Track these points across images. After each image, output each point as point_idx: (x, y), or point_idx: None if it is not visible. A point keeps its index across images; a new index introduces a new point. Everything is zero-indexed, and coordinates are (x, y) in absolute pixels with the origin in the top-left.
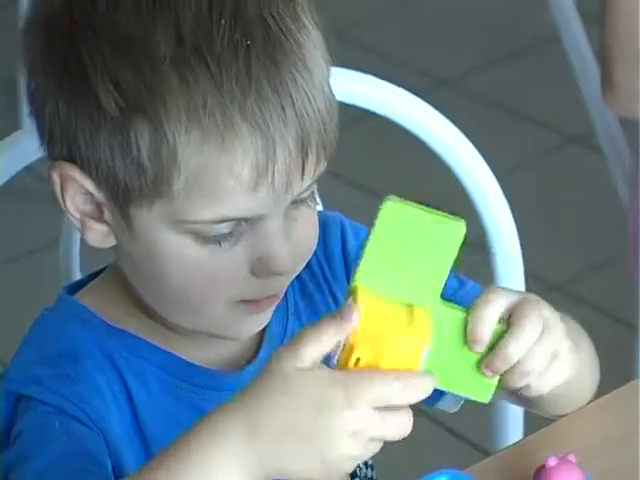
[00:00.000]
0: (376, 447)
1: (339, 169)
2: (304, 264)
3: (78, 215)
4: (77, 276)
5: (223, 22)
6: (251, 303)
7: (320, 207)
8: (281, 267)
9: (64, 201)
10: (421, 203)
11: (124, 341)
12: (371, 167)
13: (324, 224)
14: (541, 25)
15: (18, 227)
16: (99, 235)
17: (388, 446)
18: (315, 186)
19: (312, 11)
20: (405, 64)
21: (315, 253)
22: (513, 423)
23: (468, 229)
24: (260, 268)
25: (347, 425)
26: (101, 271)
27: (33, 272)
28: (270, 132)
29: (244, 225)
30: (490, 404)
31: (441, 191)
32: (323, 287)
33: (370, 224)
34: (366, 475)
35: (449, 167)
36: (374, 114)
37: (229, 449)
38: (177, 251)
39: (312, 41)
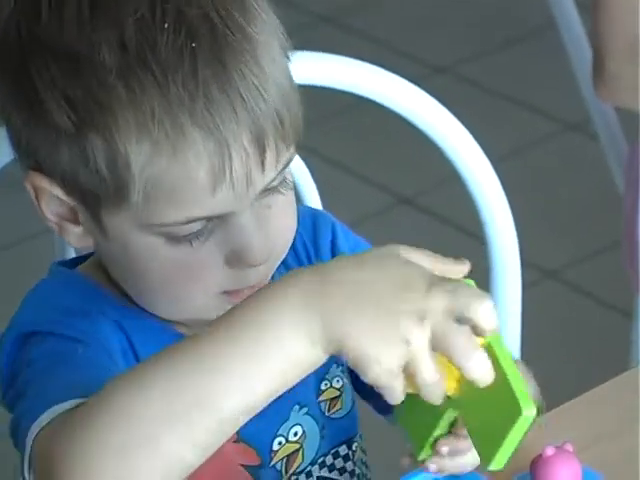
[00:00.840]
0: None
1: (333, 156)
2: (285, 250)
3: (55, 219)
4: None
5: (166, 26)
6: (233, 294)
7: (318, 198)
8: (255, 259)
9: (40, 207)
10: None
11: (127, 313)
12: (366, 154)
13: (315, 220)
14: (537, 12)
15: (13, 214)
16: (76, 237)
17: (384, 442)
18: (290, 172)
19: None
20: (401, 51)
21: (305, 245)
22: None
23: (463, 216)
24: (235, 260)
25: (420, 308)
26: (89, 256)
27: (28, 259)
28: (222, 134)
29: (214, 221)
30: None
31: (436, 178)
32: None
33: (363, 211)
34: (361, 447)
35: (445, 154)
36: (369, 101)
37: (293, 305)
38: (151, 252)
39: (265, 31)
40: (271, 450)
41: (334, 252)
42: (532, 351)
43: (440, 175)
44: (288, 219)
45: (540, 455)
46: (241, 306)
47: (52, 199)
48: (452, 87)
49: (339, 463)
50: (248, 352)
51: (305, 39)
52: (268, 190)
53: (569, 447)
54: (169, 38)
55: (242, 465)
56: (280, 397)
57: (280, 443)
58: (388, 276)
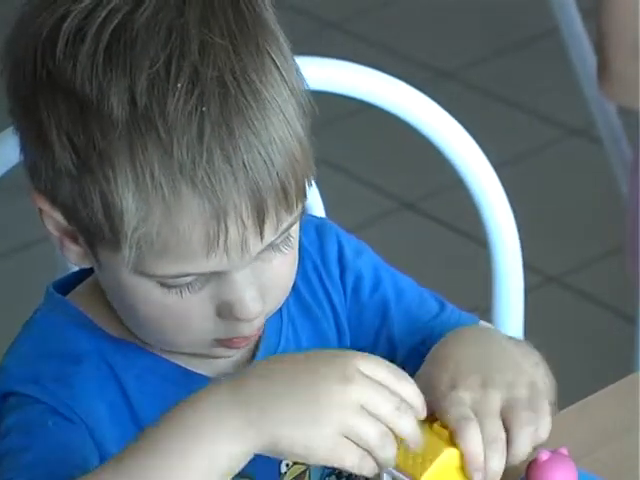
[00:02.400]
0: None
1: (338, 161)
2: (281, 301)
3: (57, 233)
4: (73, 268)
5: (179, 85)
6: (225, 342)
7: (321, 203)
8: (247, 314)
9: (43, 222)
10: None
11: (123, 350)
12: (369, 160)
13: (320, 230)
14: (540, 18)
15: (14, 220)
16: (76, 255)
17: None
18: (295, 230)
19: (284, 52)
20: (405, 57)
21: (311, 257)
22: None
23: (466, 221)
24: (226, 312)
25: (348, 398)
26: (88, 269)
27: (29, 265)
28: (221, 204)
29: (207, 275)
30: None
31: (440, 184)
32: (317, 290)
33: (366, 216)
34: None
35: (448, 160)
36: (373, 107)
37: (222, 421)
38: (142, 293)
39: (282, 93)
40: (279, 473)
41: (341, 263)
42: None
43: (443, 181)
44: (286, 275)
45: (535, 459)
46: (167, 418)
47: (54, 220)
48: (456, 93)
49: None
50: (175, 465)
51: (310, 45)
52: (269, 247)
53: (564, 451)
54: (180, 100)
55: None
56: None
57: (287, 465)
58: (303, 383)
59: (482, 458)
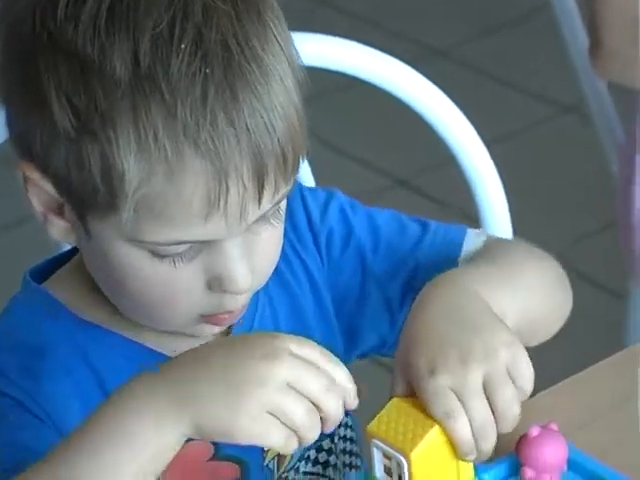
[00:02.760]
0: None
1: (329, 137)
2: (266, 278)
3: (41, 209)
4: (65, 246)
5: (183, 46)
6: (210, 318)
7: (312, 180)
8: (237, 287)
9: (27, 195)
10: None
11: (96, 335)
12: (361, 136)
13: (288, 198)
14: None
15: (8, 196)
16: (61, 231)
17: (369, 407)
18: (284, 203)
19: (283, 25)
20: (396, 33)
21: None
22: None
23: (458, 198)
24: (216, 285)
25: (257, 370)
26: (69, 253)
27: (24, 241)
28: (223, 166)
29: (200, 244)
30: None
31: (432, 161)
32: (291, 259)
33: (357, 193)
34: (345, 436)
35: (440, 137)
36: (365, 83)
37: (148, 405)
38: (132, 264)
39: (282, 62)
40: (262, 450)
41: (312, 229)
42: None
43: (435, 157)
44: (274, 249)
45: (525, 435)
46: (98, 414)
47: (41, 191)
48: (448, 70)
49: (322, 457)
50: (108, 460)
51: (301, 21)
52: (261, 219)
53: (554, 426)
54: (184, 60)
55: None
56: None
57: None
58: (227, 363)
59: (472, 443)
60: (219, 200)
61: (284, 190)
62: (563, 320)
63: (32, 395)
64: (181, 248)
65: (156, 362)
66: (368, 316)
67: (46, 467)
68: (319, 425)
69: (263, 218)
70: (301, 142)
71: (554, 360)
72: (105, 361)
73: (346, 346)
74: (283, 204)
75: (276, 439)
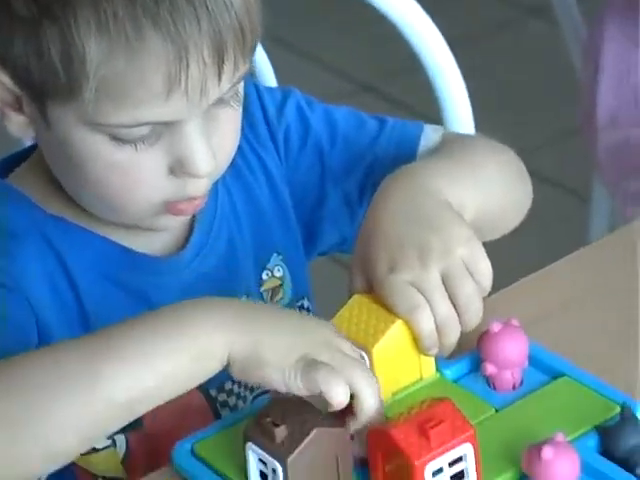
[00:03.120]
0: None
1: (293, 40)
2: (226, 165)
3: None
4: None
5: None
6: (171, 206)
7: (275, 85)
8: (199, 169)
9: None
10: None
11: (62, 227)
12: (326, 40)
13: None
14: None
15: None
16: (18, 125)
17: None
18: (242, 86)
19: None
20: None
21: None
22: None
23: (422, 102)
24: (178, 169)
25: (326, 336)
26: (26, 151)
27: None
28: (183, 42)
29: (162, 127)
30: None
31: (397, 64)
32: (249, 156)
33: (323, 98)
34: (302, 305)
35: (404, 37)
36: None
37: (211, 313)
38: (93, 150)
39: None
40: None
41: (269, 125)
42: None
43: (400, 63)
44: (233, 133)
45: (486, 331)
46: (164, 307)
47: None
48: None
49: None
50: (158, 341)
51: None
52: (220, 101)
53: (515, 322)
54: None
55: None
56: (224, 290)
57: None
58: (302, 319)
59: (435, 337)
60: (180, 76)
61: (243, 69)
62: (523, 214)
63: (8, 270)
64: (142, 131)
65: (121, 254)
66: (327, 213)
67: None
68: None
69: (222, 101)
70: (257, 19)
71: (518, 260)
72: (71, 253)
73: (306, 244)
74: (241, 87)
75: (330, 378)
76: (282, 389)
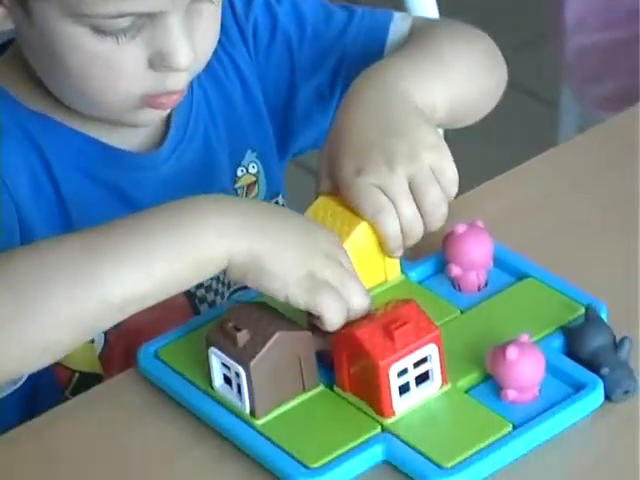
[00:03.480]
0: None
1: None
2: (206, 60)
3: None
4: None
5: None
6: (152, 100)
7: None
8: (179, 63)
9: None
10: None
11: (43, 124)
12: None
13: None
14: None
15: None
16: None
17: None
18: None
19: None
20: None
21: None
22: None
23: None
24: (158, 62)
25: (326, 247)
26: (1, 46)
27: None
28: None
29: (144, 19)
30: None
31: None
32: (221, 56)
33: None
34: (277, 202)
35: None
36: None
37: (218, 222)
38: (75, 42)
39: None
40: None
41: (237, 23)
42: (456, 138)
43: None
44: (214, 30)
45: (451, 232)
46: (165, 206)
47: None
48: None
49: None
50: (158, 244)
51: None
52: None
53: (480, 224)
54: None
55: None
56: (200, 185)
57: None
58: (303, 225)
59: (401, 240)
60: None
61: None
62: (497, 98)
63: None
64: (124, 22)
65: (100, 150)
66: (299, 108)
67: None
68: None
69: None
70: None
71: (487, 165)
72: (52, 149)
73: (281, 142)
74: None
75: (331, 303)
76: (281, 299)
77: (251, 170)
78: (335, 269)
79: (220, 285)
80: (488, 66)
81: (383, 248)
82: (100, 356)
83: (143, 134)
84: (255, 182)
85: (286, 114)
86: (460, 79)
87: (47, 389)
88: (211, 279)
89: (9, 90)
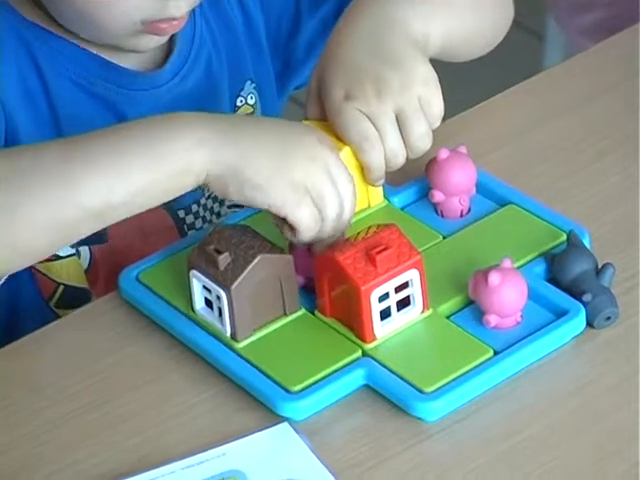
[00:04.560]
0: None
1: None
2: None
3: None
4: None
5: None
6: (153, 26)
7: None
8: None
9: None
10: None
11: (41, 34)
12: None
13: None
14: None
15: None
16: None
17: None
18: None
19: None
20: None
21: None
22: None
23: None
24: None
25: (309, 151)
26: None
27: None
28: None
29: None
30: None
31: None
32: None
33: None
34: None
35: None
36: None
37: (193, 129)
38: None
39: None
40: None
41: None
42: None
43: None
44: None
45: (434, 158)
46: (145, 119)
47: None
48: None
49: None
50: (136, 155)
51: None
52: None
53: (463, 150)
54: None
55: None
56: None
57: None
58: (285, 132)
59: (384, 169)
60: None
61: None
62: (501, 36)
63: None
64: None
65: (98, 65)
66: (303, 43)
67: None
68: (341, 225)
69: None
70: None
71: (472, 94)
72: (48, 58)
73: (282, 75)
74: None
75: (304, 213)
76: (263, 207)
77: (249, 101)
78: (317, 176)
79: (208, 213)
80: (493, 2)
81: (365, 177)
82: (86, 272)
83: (144, 57)
84: (253, 113)
85: (288, 48)
86: (461, 12)
87: (28, 299)
88: (198, 205)
89: (10, 1)
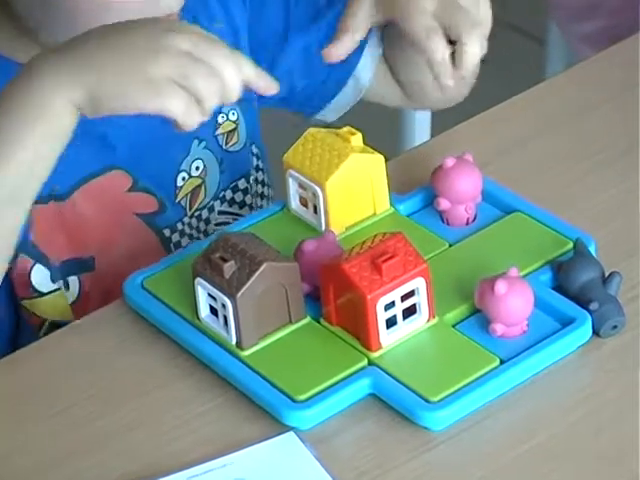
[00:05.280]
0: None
1: None
2: None
3: None
4: None
5: None
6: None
7: None
8: None
9: None
10: None
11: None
12: None
13: None
14: None
15: None
16: None
17: (283, 138)
18: None
19: None
20: None
21: None
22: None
23: None
24: None
25: (153, 42)
26: None
27: None
28: None
29: None
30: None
31: None
32: (214, 5)
33: None
34: (257, 179)
35: None
36: None
37: (51, 79)
38: None
39: None
40: (175, 187)
41: None
42: None
43: None
44: None
45: (440, 166)
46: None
47: None
48: None
49: (238, 197)
50: (10, 135)
51: None
52: None
53: (469, 157)
54: None
55: (137, 214)
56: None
57: (184, 179)
58: (128, 34)
59: (448, 64)
60: None
61: None
62: None
63: None
64: None
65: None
66: (285, 68)
67: None
68: (220, 91)
69: None
70: None
71: (474, 102)
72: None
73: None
74: None
75: (176, 104)
76: (137, 112)
77: (231, 117)
78: (170, 61)
79: (195, 231)
80: None
81: (432, 71)
82: (74, 303)
83: None
84: (235, 129)
85: (270, 69)
86: None
87: (26, 333)
88: (183, 224)
89: None
